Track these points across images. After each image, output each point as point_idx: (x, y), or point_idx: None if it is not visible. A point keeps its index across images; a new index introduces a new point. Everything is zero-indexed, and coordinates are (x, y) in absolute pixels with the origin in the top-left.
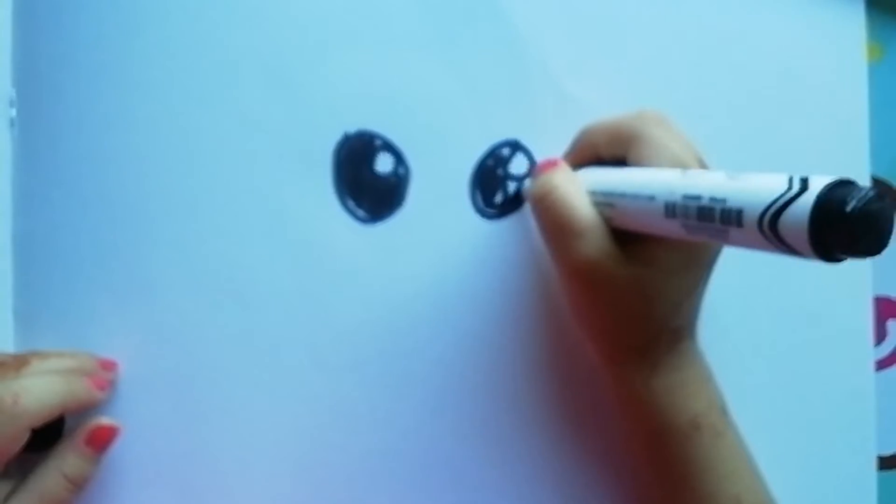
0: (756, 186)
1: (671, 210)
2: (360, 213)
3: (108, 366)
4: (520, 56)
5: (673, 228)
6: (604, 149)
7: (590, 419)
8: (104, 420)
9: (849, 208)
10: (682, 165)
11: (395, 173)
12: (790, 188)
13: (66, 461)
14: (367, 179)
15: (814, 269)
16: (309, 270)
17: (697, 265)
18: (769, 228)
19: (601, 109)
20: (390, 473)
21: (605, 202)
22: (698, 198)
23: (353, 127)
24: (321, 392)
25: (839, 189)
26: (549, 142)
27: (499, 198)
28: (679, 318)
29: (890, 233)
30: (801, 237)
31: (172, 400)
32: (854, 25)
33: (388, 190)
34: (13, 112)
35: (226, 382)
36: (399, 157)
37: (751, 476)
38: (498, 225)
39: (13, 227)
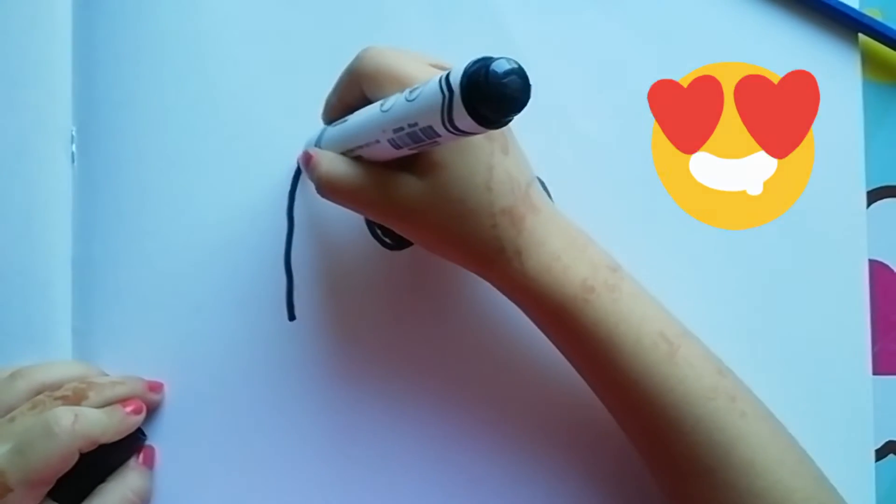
0: (429, 103)
1: (396, 145)
2: (388, 241)
3: (156, 387)
4: (538, 100)
5: (404, 153)
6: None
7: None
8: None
9: (488, 81)
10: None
11: None
12: (443, 94)
13: (128, 479)
14: None
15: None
16: (347, 289)
17: (470, 147)
18: (453, 129)
19: (611, 144)
20: None
21: (355, 155)
22: (402, 129)
23: None
24: (346, 402)
25: (475, 74)
26: (565, 175)
27: None
28: (499, 197)
29: (523, 91)
30: (469, 122)
31: (215, 413)
32: (848, 46)
33: None
34: (73, 148)
35: (264, 396)
36: None
37: (663, 312)
38: None
39: (73, 252)
